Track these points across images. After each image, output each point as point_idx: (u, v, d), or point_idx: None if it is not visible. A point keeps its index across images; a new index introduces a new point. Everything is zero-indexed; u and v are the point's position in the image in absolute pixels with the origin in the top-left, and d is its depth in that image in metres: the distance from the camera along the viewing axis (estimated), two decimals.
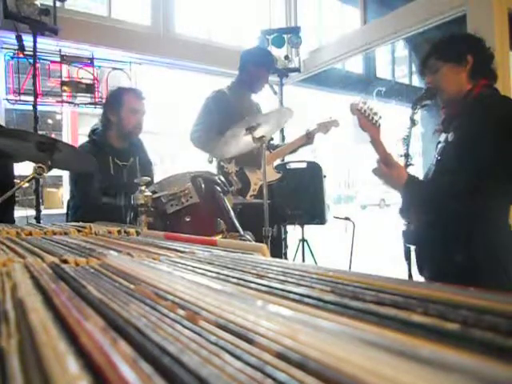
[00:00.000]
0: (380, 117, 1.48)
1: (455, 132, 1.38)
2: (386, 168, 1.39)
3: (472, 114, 1.33)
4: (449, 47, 1.42)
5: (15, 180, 1.91)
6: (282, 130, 3.41)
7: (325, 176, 2.78)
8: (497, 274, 1.27)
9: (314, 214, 2.74)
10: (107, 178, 1.84)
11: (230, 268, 0.40)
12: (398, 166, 1.40)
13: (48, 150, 1.38)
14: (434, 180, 1.44)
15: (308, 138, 2.33)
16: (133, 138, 1.98)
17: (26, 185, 1.43)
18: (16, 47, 2.44)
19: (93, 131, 1.96)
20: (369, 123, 1.47)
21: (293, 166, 2.79)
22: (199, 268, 0.40)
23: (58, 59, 2.81)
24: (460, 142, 1.34)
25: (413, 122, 1.50)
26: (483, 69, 1.39)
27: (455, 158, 1.34)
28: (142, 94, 2.00)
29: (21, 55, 2.51)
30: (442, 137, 1.46)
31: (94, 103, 2.93)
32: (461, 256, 1.29)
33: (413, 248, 1.49)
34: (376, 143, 1.45)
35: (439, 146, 1.47)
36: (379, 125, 1.48)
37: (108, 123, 1.93)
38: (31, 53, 2.43)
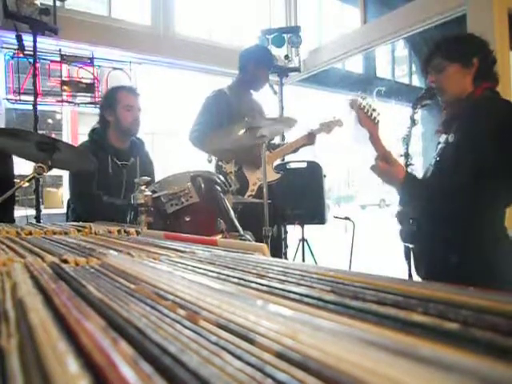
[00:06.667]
0: (379, 113, 1.48)
1: (455, 133, 1.38)
2: (384, 165, 1.39)
3: (472, 116, 1.32)
4: (456, 47, 1.39)
5: (15, 180, 1.90)
6: None
7: (325, 176, 2.77)
8: (489, 277, 1.24)
9: (314, 214, 2.74)
10: (106, 178, 1.84)
11: (230, 268, 0.40)
12: (397, 163, 1.40)
13: (48, 150, 1.38)
14: (431, 179, 1.44)
15: (309, 138, 2.30)
16: (132, 135, 1.97)
17: (26, 184, 1.43)
18: (16, 47, 2.45)
19: (93, 130, 1.96)
20: (367, 119, 1.46)
21: (293, 165, 2.78)
22: (199, 268, 0.40)
23: (58, 59, 2.82)
24: (459, 144, 1.34)
25: (413, 122, 1.50)
26: (487, 72, 1.37)
27: (454, 158, 1.34)
28: (136, 91, 2.02)
29: (21, 55, 2.51)
30: (443, 138, 1.46)
31: (94, 103, 2.93)
32: (453, 257, 1.29)
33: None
34: (374, 139, 1.45)
35: (439, 146, 1.47)
36: (378, 121, 1.47)
37: (106, 124, 1.93)
38: (31, 52, 2.42)
